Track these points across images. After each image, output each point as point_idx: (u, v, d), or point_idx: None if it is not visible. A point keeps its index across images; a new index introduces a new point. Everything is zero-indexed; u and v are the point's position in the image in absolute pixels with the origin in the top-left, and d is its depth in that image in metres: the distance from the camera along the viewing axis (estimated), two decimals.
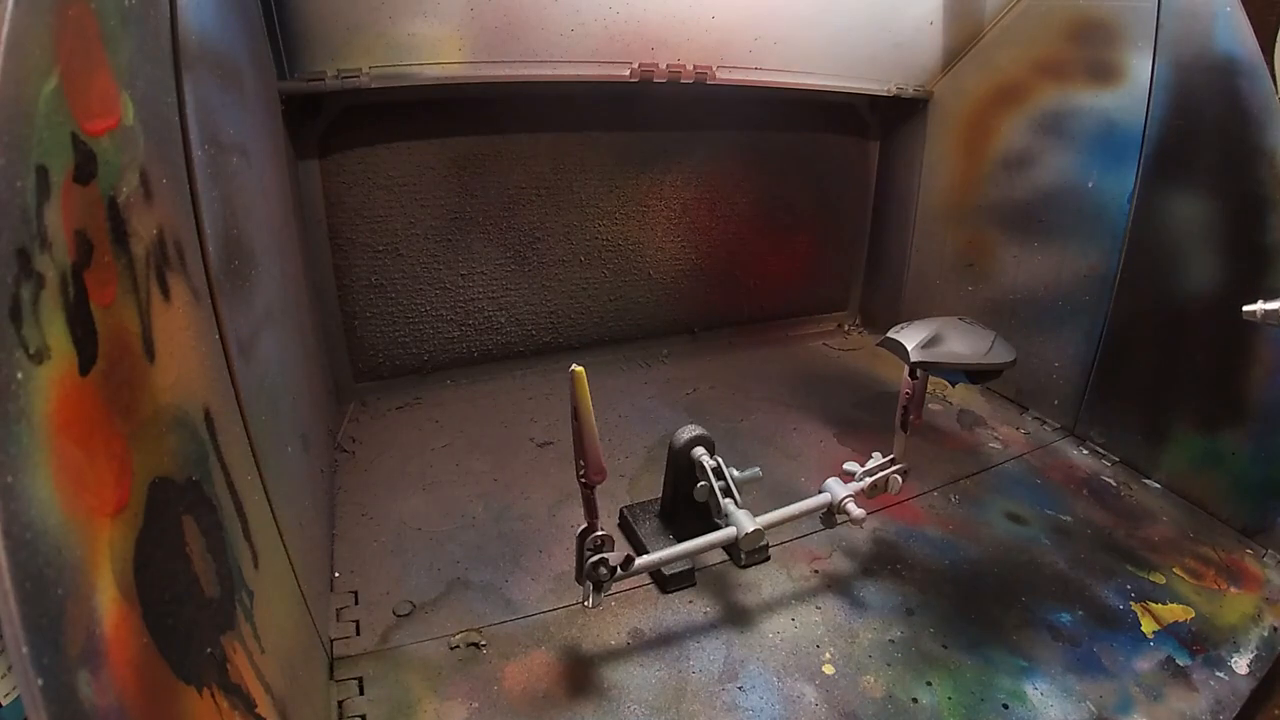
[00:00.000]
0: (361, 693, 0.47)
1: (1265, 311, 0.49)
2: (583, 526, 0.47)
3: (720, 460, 0.57)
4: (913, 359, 0.56)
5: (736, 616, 0.55)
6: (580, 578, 0.48)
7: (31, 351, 0.19)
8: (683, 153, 0.95)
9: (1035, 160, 0.85)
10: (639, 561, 0.50)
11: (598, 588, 0.48)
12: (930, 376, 0.58)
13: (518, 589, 0.57)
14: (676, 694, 0.48)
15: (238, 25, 0.51)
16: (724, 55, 0.82)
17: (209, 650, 0.27)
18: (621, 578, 0.49)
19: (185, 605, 0.26)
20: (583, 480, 0.45)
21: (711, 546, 0.53)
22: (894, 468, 0.60)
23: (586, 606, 0.48)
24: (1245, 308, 0.50)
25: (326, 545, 0.60)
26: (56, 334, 0.20)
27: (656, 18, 0.76)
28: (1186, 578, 0.62)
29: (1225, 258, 0.67)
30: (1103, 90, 0.76)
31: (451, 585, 0.57)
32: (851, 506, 0.56)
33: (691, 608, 0.56)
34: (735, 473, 0.57)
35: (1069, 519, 0.68)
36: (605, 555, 0.48)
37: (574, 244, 0.93)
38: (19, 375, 0.18)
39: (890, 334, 0.59)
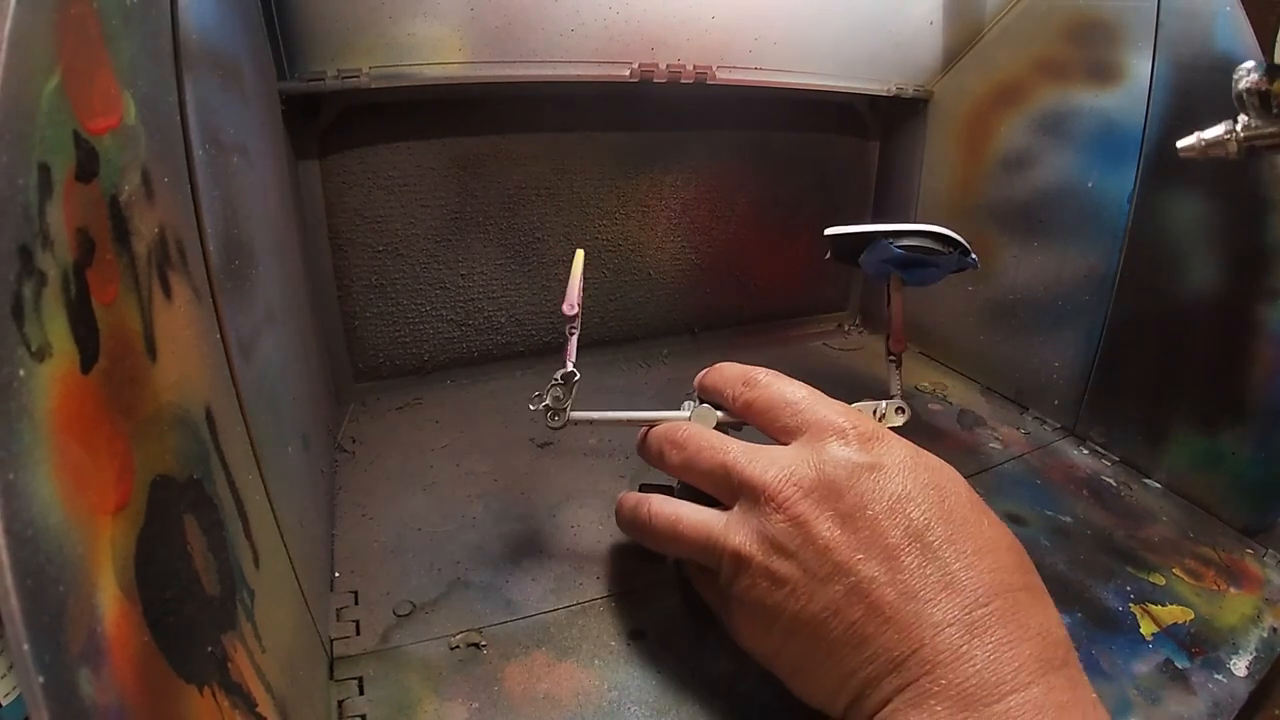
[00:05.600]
0: (362, 693, 0.47)
1: (1206, 142, 0.45)
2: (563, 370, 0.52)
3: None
4: (826, 232, 0.57)
5: None
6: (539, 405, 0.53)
7: (33, 349, 0.19)
8: (683, 153, 0.95)
9: (1035, 160, 0.85)
10: (577, 414, 0.55)
11: (553, 405, 0.54)
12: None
13: (518, 589, 0.57)
14: (677, 696, 0.48)
15: (238, 25, 0.51)
16: (724, 55, 0.82)
17: (210, 649, 0.27)
18: (561, 389, 0.54)
19: (186, 604, 0.26)
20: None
21: (657, 420, 0.55)
22: (890, 401, 0.59)
23: (551, 427, 0.54)
24: (1180, 143, 0.46)
25: (327, 545, 0.60)
26: (58, 332, 0.20)
27: (656, 18, 0.77)
28: (1186, 579, 0.62)
29: (1225, 258, 0.67)
30: (1103, 90, 0.76)
31: (451, 585, 0.57)
32: None
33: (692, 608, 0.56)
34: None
35: (1069, 519, 0.68)
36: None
37: (574, 244, 0.93)
38: (21, 373, 0.18)
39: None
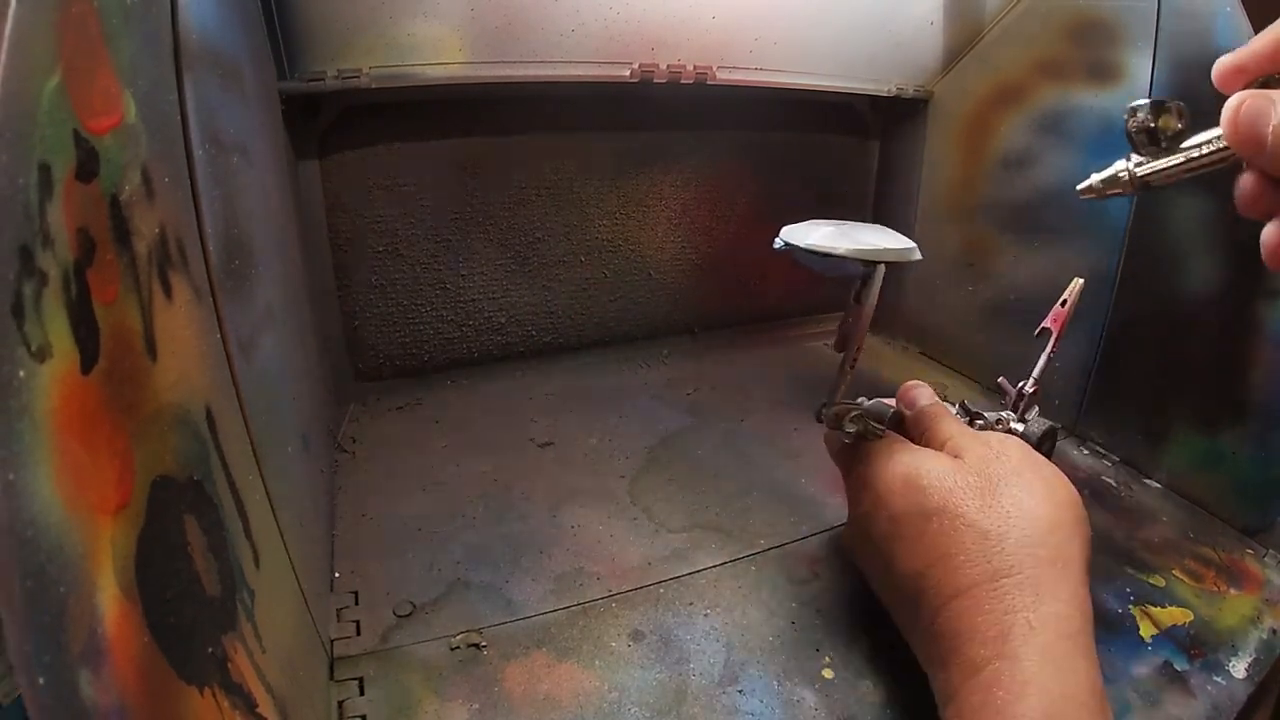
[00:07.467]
0: (362, 693, 0.47)
1: (1103, 183, 0.47)
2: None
3: None
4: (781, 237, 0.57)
5: (737, 619, 0.55)
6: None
7: (34, 349, 0.19)
8: (683, 153, 0.95)
9: (1035, 160, 0.85)
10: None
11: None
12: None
13: (518, 590, 0.57)
14: (677, 697, 0.48)
15: (238, 24, 0.51)
16: (724, 55, 0.82)
17: (210, 650, 0.27)
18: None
19: (187, 604, 0.26)
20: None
21: None
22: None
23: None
24: (1079, 186, 0.48)
25: (326, 545, 0.60)
26: (59, 331, 0.20)
27: (656, 18, 0.76)
28: (1186, 580, 0.62)
29: (1225, 258, 0.67)
30: (1103, 90, 0.76)
31: (452, 586, 0.57)
32: None
33: (692, 609, 0.56)
34: None
35: None
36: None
37: (574, 244, 0.93)
38: (21, 373, 0.18)
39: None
